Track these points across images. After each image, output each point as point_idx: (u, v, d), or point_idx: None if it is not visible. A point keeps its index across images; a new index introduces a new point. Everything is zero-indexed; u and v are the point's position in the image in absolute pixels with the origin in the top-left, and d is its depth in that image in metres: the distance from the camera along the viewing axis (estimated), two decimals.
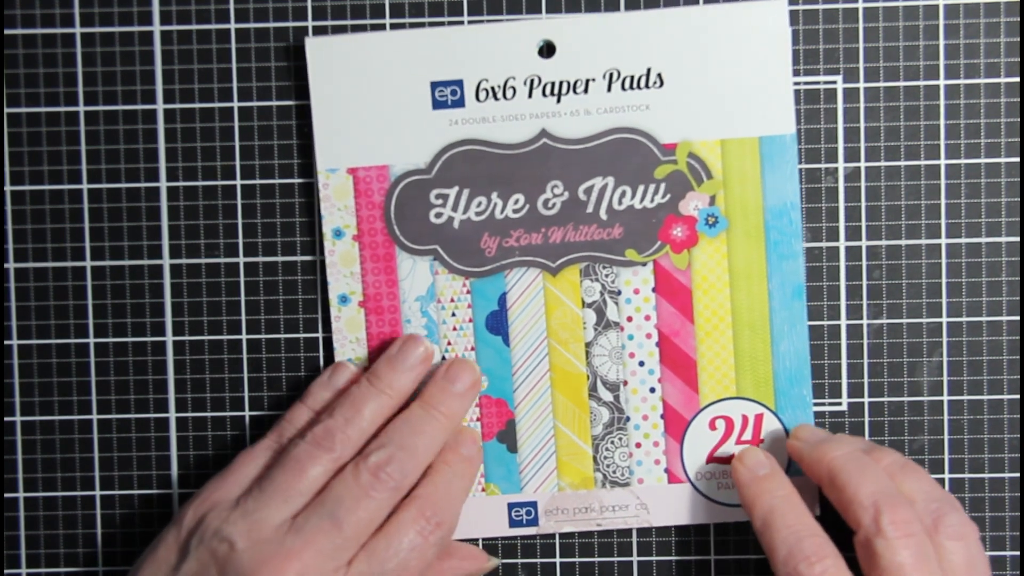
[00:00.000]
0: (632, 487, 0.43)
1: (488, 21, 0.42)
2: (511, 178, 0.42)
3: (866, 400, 0.43)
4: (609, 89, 0.41)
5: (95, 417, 0.44)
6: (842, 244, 0.43)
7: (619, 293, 0.42)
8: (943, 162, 0.43)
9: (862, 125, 0.43)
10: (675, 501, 0.43)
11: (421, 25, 0.43)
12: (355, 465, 0.38)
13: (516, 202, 0.42)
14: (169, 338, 0.44)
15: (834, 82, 0.42)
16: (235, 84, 0.43)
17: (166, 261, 0.44)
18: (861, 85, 0.42)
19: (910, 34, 0.42)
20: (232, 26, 0.43)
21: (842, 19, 0.42)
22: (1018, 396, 0.43)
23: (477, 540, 0.44)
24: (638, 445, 0.42)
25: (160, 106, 0.43)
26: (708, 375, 0.42)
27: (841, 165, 0.43)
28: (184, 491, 0.44)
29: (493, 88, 0.41)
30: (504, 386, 0.42)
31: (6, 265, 0.44)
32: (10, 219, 0.43)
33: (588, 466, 0.43)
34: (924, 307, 0.43)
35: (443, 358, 0.42)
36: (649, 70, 0.41)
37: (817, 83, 0.42)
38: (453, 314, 0.42)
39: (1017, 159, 0.42)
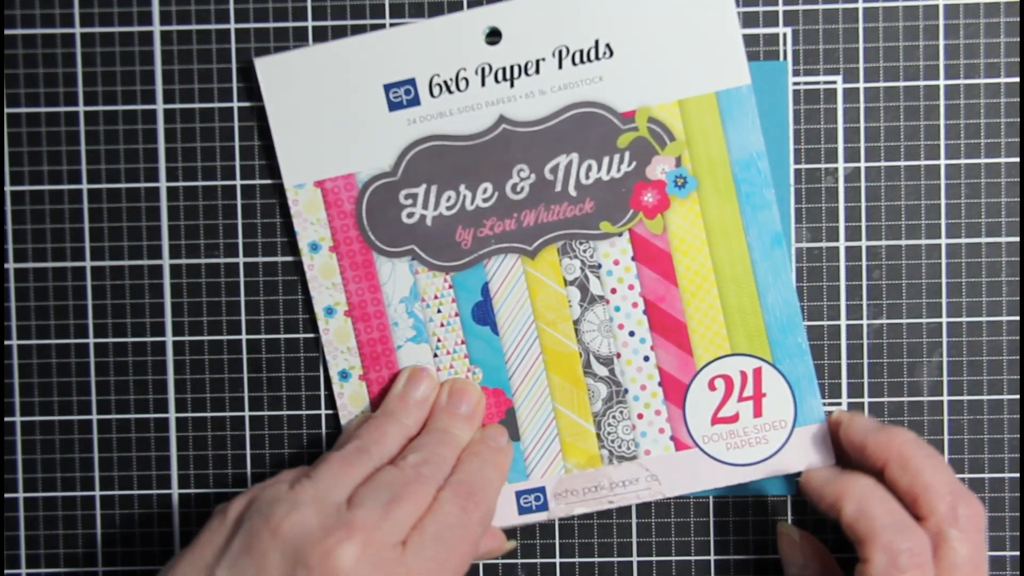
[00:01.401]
0: (640, 459, 0.42)
1: (436, 15, 0.42)
2: (476, 168, 0.42)
3: (866, 400, 0.43)
4: (560, 66, 0.41)
5: (95, 417, 0.44)
6: (842, 244, 0.43)
7: (599, 267, 0.42)
8: (943, 162, 0.43)
9: (862, 125, 0.43)
10: (685, 468, 0.42)
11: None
12: (394, 464, 0.39)
13: (485, 191, 0.42)
14: (169, 338, 0.44)
15: (834, 82, 0.42)
16: (235, 85, 0.43)
17: (166, 261, 0.44)
18: (861, 85, 0.42)
19: (910, 34, 0.42)
20: (232, 26, 0.43)
21: (842, 19, 0.42)
22: (1018, 396, 0.43)
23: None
24: (640, 416, 0.42)
25: (160, 106, 0.43)
26: (700, 336, 0.42)
27: (841, 165, 0.43)
28: (184, 491, 0.44)
29: (446, 82, 0.41)
30: (499, 375, 0.42)
31: (6, 265, 0.44)
32: (10, 219, 0.43)
33: (592, 444, 0.42)
34: (924, 307, 0.43)
35: (434, 355, 0.42)
36: (597, 42, 0.41)
37: (817, 83, 0.42)
38: (439, 310, 0.42)
39: (1017, 159, 0.42)
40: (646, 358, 0.42)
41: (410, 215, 0.42)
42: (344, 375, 0.43)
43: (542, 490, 0.43)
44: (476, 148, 0.42)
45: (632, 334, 0.42)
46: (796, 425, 0.42)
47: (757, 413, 0.42)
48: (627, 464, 0.42)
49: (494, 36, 0.41)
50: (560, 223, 0.42)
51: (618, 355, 0.42)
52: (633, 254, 0.42)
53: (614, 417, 0.42)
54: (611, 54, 0.41)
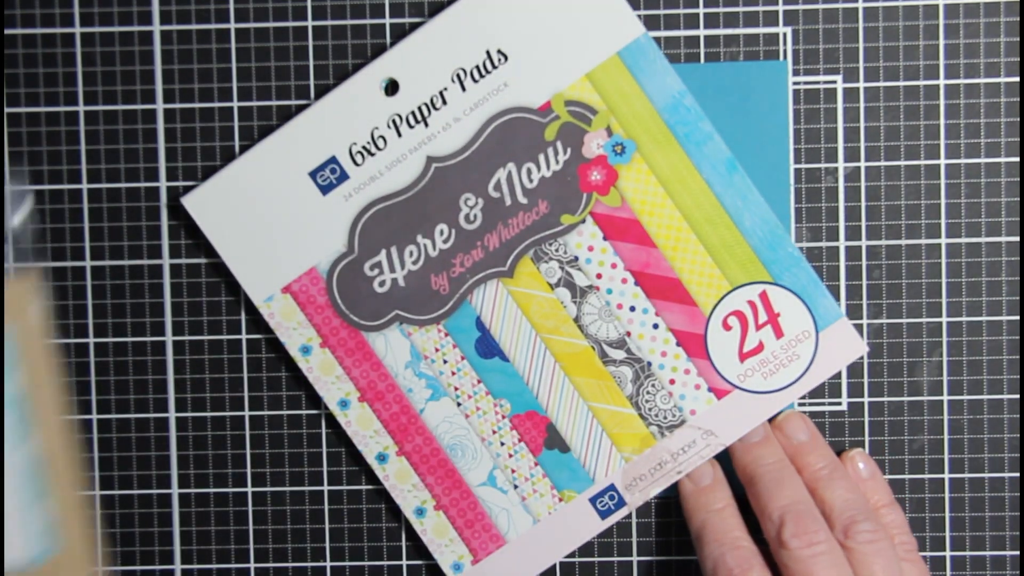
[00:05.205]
0: (689, 421, 0.42)
1: (326, 93, 0.42)
2: (425, 215, 0.42)
3: (866, 400, 0.43)
4: (464, 89, 0.41)
5: (95, 417, 0.44)
6: (842, 244, 0.43)
7: (576, 259, 0.42)
8: (943, 162, 0.43)
9: (862, 125, 0.43)
10: (733, 412, 0.42)
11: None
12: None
13: (442, 233, 0.42)
14: (169, 338, 0.44)
15: (834, 82, 0.42)
16: (235, 84, 0.43)
17: (166, 261, 0.44)
18: (861, 85, 0.42)
19: (910, 34, 0.42)
20: (232, 26, 0.43)
21: (842, 19, 0.42)
22: (1018, 396, 0.43)
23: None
24: (672, 382, 0.42)
25: (160, 106, 0.43)
26: (696, 284, 0.42)
27: (841, 165, 0.43)
28: (184, 491, 0.44)
29: (364, 147, 0.41)
30: (526, 398, 0.42)
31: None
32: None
33: (640, 426, 0.42)
34: (924, 307, 0.43)
35: (457, 404, 0.42)
36: (488, 52, 0.41)
37: (817, 83, 0.42)
38: (445, 361, 0.42)
39: (1017, 159, 0.42)
40: (655, 326, 0.42)
41: (381, 284, 0.42)
42: (382, 458, 0.43)
43: (612, 487, 0.43)
44: (417, 196, 0.42)
45: (633, 309, 0.42)
46: (819, 330, 0.42)
47: (779, 334, 0.42)
48: (679, 431, 0.42)
49: (393, 86, 0.41)
50: (523, 233, 0.42)
51: (628, 334, 0.42)
52: (603, 235, 0.42)
53: (648, 392, 0.42)
54: (505, 59, 0.41)
